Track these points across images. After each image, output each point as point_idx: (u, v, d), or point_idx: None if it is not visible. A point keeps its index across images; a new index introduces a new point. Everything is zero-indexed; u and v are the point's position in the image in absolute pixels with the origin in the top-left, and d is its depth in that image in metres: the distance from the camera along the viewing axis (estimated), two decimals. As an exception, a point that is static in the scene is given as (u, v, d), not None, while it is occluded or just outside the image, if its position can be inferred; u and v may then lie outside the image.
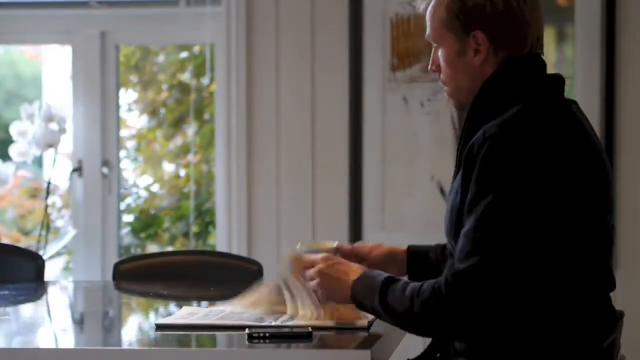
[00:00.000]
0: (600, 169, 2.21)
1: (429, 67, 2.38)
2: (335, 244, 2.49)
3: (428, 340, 2.37)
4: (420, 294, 2.11)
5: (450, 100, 2.38)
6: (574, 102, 2.28)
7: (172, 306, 2.91)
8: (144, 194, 5.36)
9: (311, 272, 2.31)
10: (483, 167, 2.11)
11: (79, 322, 2.76)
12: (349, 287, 2.24)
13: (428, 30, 2.34)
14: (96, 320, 2.79)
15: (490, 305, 2.06)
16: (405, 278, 2.22)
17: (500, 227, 2.07)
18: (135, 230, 5.32)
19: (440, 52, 2.32)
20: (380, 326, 2.27)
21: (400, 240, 4.54)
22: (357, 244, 2.58)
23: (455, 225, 2.21)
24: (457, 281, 2.07)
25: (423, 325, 2.13)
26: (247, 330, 2.17)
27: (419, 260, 2.56)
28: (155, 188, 5.38)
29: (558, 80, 2.28)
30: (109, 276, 3.49)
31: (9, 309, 2.84)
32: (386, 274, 2.21)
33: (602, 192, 2.20)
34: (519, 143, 2.11)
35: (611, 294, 2.25)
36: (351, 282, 2.24)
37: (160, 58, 5.36)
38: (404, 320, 2.15)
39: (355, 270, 2.27)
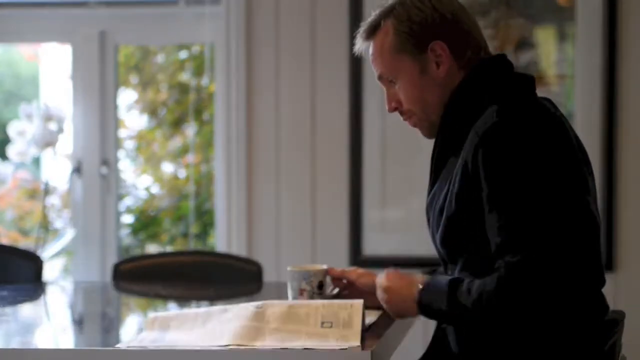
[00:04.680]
0: (583, 155, 2.22)
1: (388, 108, 2.36)
2: (325, 267, 2.45)
3: (428, 342, 2.36)
4: (487, 289, 2.06)
5: (421, 130, 2.37)
6: (548, 100, 2.29)
7: (171, 306, 2.90)
8: (143, 194, 5.36)
9: (379, 292, 2.28)
10: (492, 161, 2.10)
11: (79, 323, 2.76)
12: (414, 300, 2.20)
13: (379, 70, 2.33)
14: (95, 320, 2.78)
15: (551, 290, 2.03)
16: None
17: (534, 214, 2.05)
18: (135, 230, 5.31)
19: (398, 85, 2.31)
20: (379, 326, 2.27)
21: (400, 240, 4.56)
22: (348, 269, 2.53)
23: (453, 232, 2.21)
24: (516, 273, 2.03)
25: (495, 313, 2.06)
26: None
27: None
28: (154, 188, 5.38)
29: (529, 80, 2.29)
30: (109, 277, 3.49)
31: (8, 310, 2.84)
32: (449, 277, 2.17)
33: (588, 178, 2.20)
34: (517, 129, 2.11)
35: (612, 295, 2.25)
36: (416, 295, 2.20)
37: (160, 58, 5.35)
38: (475, 314, 2.09)
39: (416, 282, 2.22)
